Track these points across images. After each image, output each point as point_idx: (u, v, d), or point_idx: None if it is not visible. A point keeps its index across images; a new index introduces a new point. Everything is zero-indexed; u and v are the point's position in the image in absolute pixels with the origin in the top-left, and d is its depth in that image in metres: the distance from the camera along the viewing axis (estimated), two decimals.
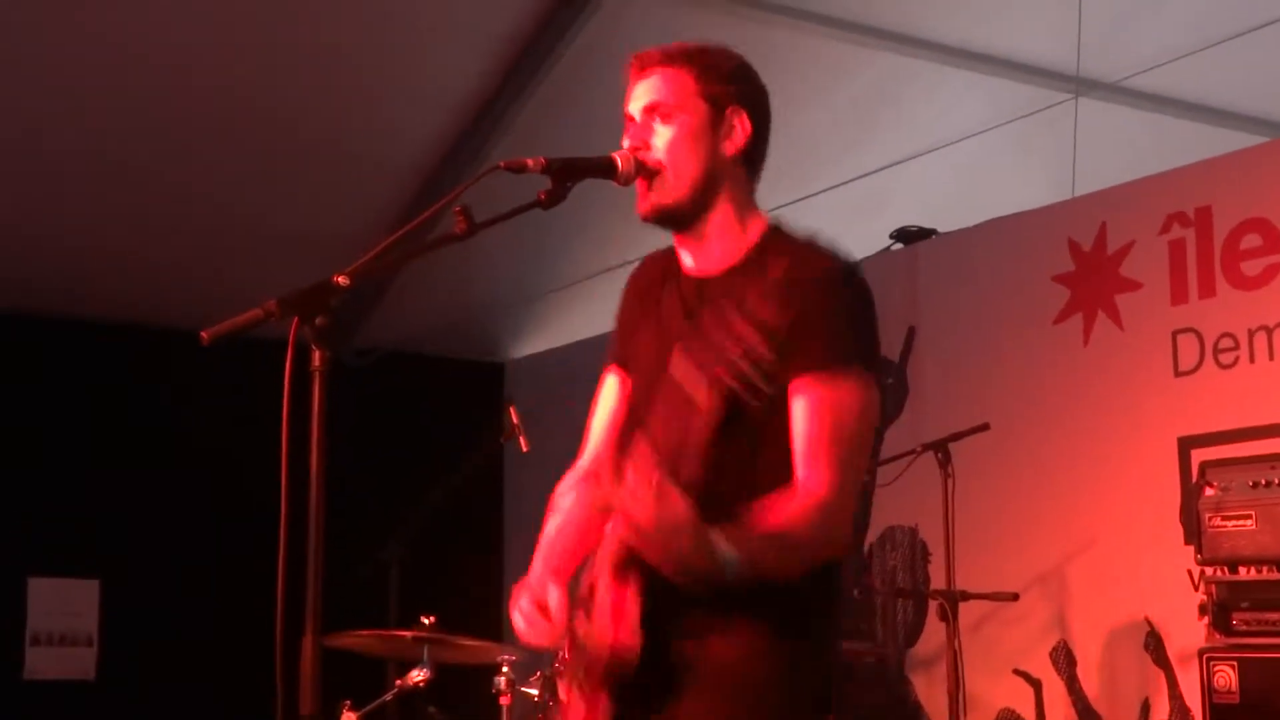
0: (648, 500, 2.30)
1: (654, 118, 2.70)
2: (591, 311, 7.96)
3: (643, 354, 2.81)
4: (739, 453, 2.54)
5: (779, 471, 2.55)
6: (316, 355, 2.37)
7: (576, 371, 8.09)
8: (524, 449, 5.80)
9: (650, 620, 2.49)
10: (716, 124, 2.70)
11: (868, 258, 6.70)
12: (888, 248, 6.69)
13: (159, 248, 7.19)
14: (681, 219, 2.72)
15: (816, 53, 6.48)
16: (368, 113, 6.67)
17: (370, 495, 7.55)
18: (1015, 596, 5.39)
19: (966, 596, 5.27)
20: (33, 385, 7.53)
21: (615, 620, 2.48)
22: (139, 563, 7.50)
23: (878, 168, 6.85)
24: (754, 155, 2.75)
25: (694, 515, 2.31)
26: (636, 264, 2.95)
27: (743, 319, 2.31)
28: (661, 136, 2.69)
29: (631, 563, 2.47)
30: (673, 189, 2.68)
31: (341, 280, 2.41)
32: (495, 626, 7.88)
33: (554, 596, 2.62)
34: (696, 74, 2.70)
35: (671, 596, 2.48)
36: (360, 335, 8.01)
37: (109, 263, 7.25)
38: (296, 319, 2.37)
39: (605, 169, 2.66)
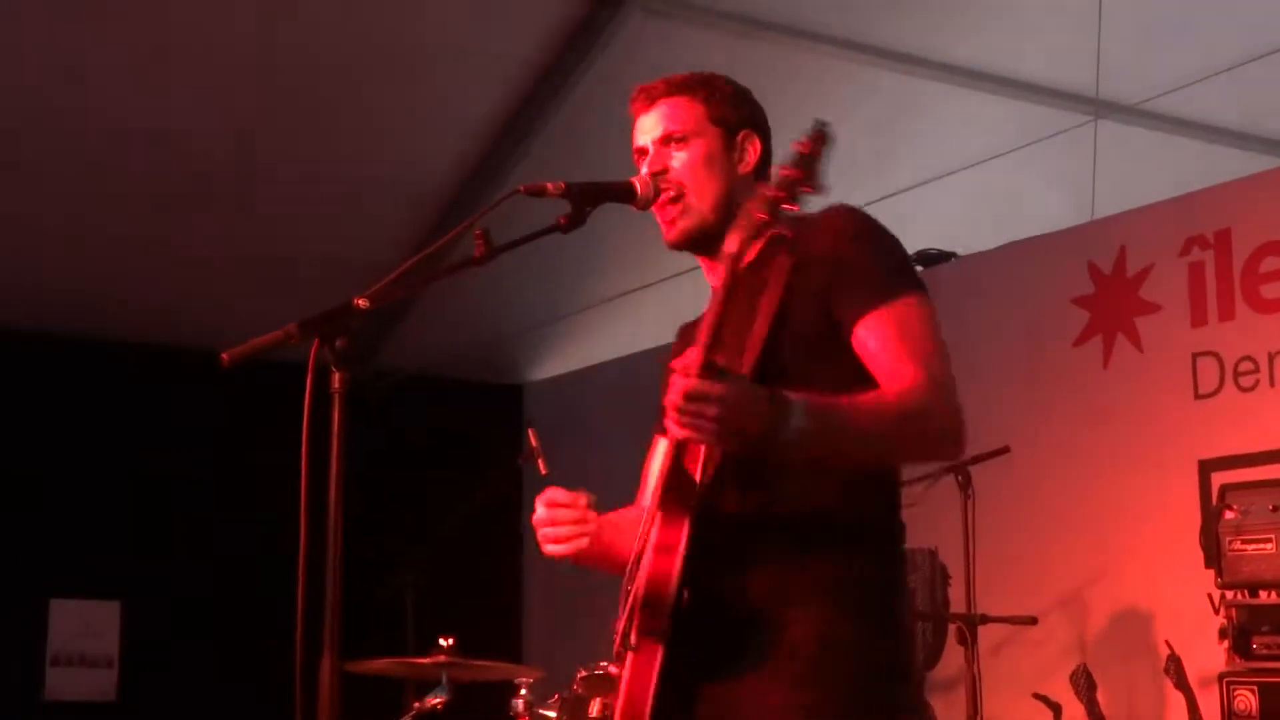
0: (697, 371, 2.34)
1: (669, 146, 2.74)
2: (611, 334, 7.98)
3: None
4: None
5: None
6: (336, 377, 2.39)
7: (595, 394, 8.23)
8: (543, 472, 5.80)
9: (707, 575, 2.49)
10: (729, 147, 2.75)
11: None
12: None
13: (178, 269, 7.23)
14: (709, 241, 2.73)
15: (834, 75, 6.50)
16: (387, 138, 6.71)
17: (388, 518, 7.57)
18: (1034, 620, 5.38)
19: (985, 620, 5.26)
20: (56, 406, 7.57)
21: (656, 549, 2.47)
22: (160, 584, 7.52)
23: (896, 190, 6.85)
24: (763, 174, 2.79)
25: (748, 377, 2.38)
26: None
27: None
28: (679, 161, 2.73)
29: (680, 500, 2.48)
30: (697, 211, 2.72)
31: (361, 303, 2.44)
32: (514, 649, 7.90)
33: (584, 498, 2.67)
34: (704, 100, 2.76)
35: (730, 552, 2.50)
36: (379, 358, 8.03)
37: (131, 284, 7.29)
38: (317, 341, 2.39)
39: (624, 193, 2.69)
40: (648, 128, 2.77)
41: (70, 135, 6.37)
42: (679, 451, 2.51)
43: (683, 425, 2.34)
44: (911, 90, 6.69)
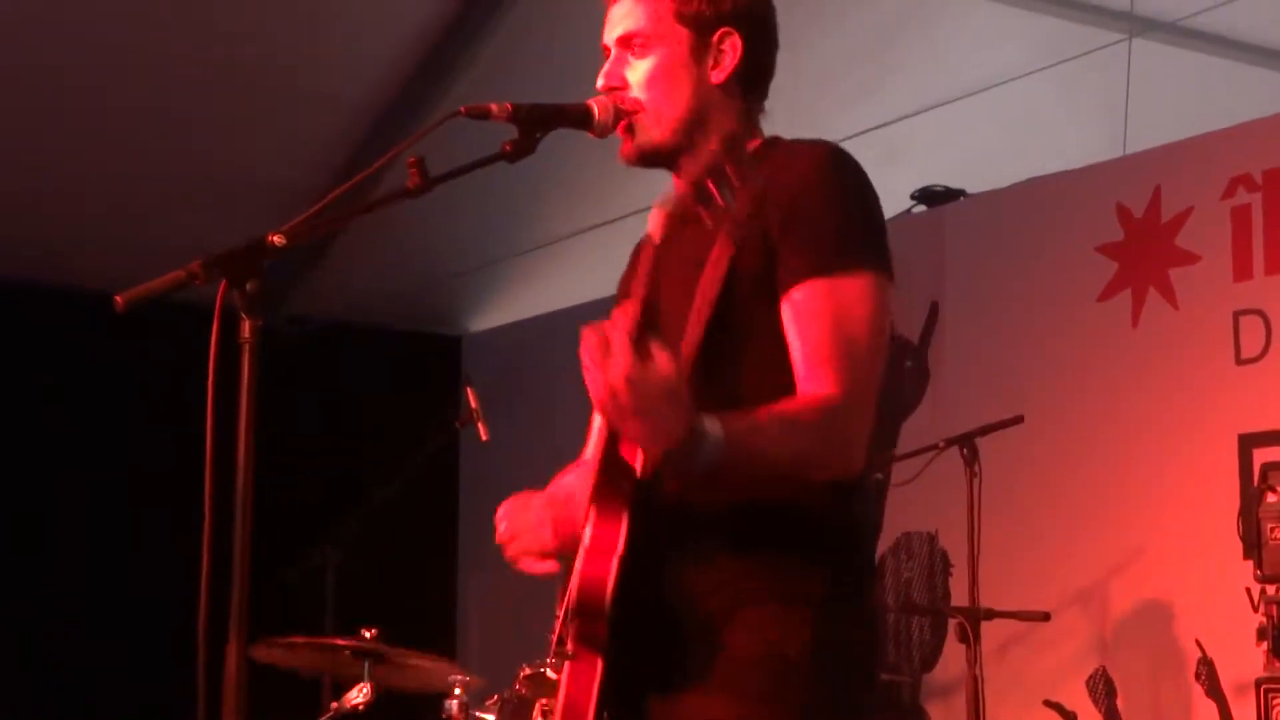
0: (626, 354, 2.34)
1: (629, 50, 2.74)
2: (562, 279, 7.99)
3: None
4: (725, 382, 2.59)
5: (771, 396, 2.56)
6: (246, 325, 2.41)
7: (544, 348, 8.24)
8: (483, 437, 5.83)
9: (647, 577, 2.54)
10: (701, 51, 2.73)
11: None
12: (908, 210, 6.72)
13: (60, 198, 7.18)
14: (668, 160, 2.76)
15: None
16: (309, 44, 6.67)
17: (304, 488, 7.58)
18: (1046, 616, 5.45)
19: (990, 615, 5.31)
20: None
21: (590, 551, 2.52)
22: (38, 563, 7.49)
23: (897, 116, 6.88)
24: (752, 76, 2.78)
25: (678, 377, 2.36)
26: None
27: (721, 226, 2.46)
28: (637, 72, 2.73)
29: (615, 494, 2.52)
30: (653, 128, 2.73)
31: (277, 240, 2.45)
32: (447, 641, 7.94)
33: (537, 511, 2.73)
34: None
35: (673, 552, 2.55)
36: (294, 301, 8.02)
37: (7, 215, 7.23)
38: (224, 283, 2.40)
39: (580, 118, 2.70)
40: (611, 24, 2.77)
41: None
42: (614, 436, 2.55)
43: (596, 401, 2.38)
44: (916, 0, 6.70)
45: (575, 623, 2.54)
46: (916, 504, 6.16)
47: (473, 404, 5.88)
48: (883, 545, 6.44)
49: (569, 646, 2.56)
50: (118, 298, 2.41)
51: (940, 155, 6.99)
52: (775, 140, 2.78)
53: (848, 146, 7.09)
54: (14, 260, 7.50)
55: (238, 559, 2.35)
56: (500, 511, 2.82)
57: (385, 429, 7.81)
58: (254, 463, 2.39)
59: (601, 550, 2.51)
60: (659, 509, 2.55)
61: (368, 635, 4.89)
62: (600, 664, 2.54)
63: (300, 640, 5.01)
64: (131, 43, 6.46)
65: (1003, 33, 6.84)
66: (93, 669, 7.40)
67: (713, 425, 2.39)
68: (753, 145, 2.72)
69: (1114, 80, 6.65)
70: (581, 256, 7.72)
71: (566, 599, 2.58)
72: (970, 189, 6.61)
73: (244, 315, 2.41)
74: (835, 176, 2.63)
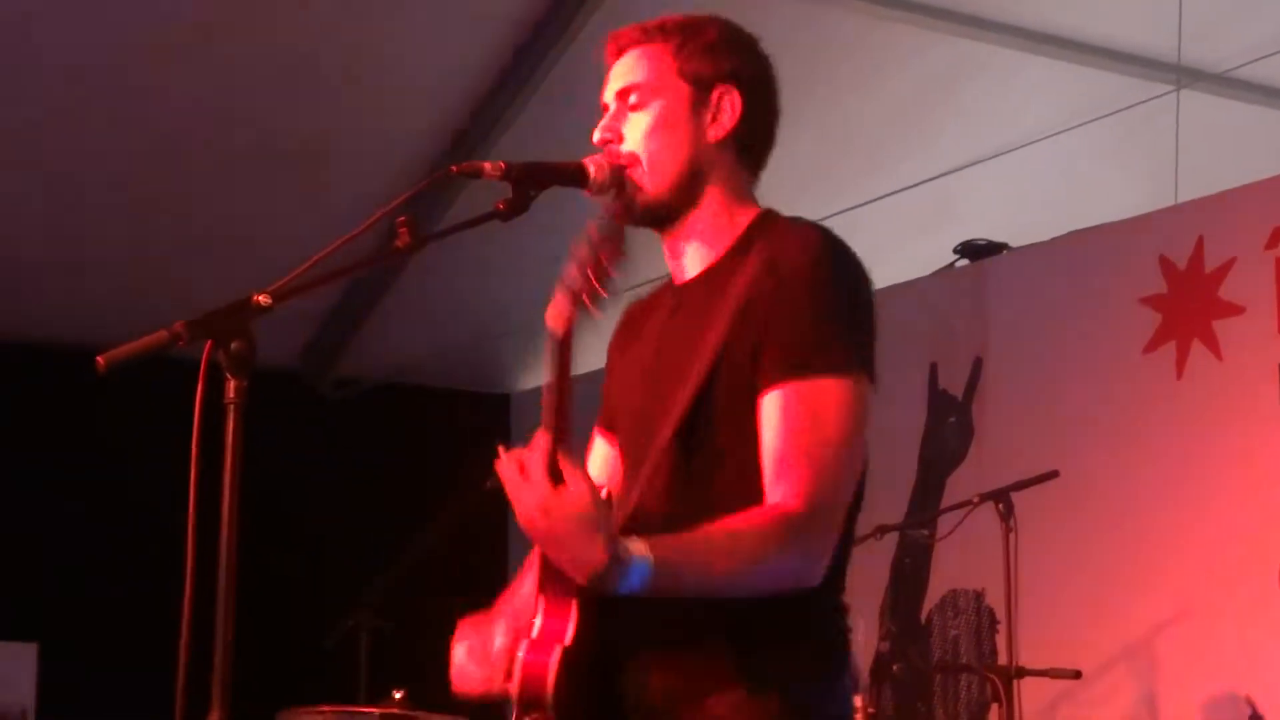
0: (541, 483, 2.33)
1: (627, 104, 2.70)
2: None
3: (624, 397, 2.85)
4: (698, 483, 2.56)
5: (748, 503, 2.51)
6: (231, 385, 2.39)
7: (593, 405, 8.21)
8: None
9: (605, 666, 2.51)
10: (700, 107, 2.69)
11: (928, 276, 6.71)
12: (951, 264, 6.70)
13: (85, 258, 7.22)
14: (659, 218, 2.72)
15: (868, 36, 6.52)
16: (347, 108, 6.73)
17: (353, 550, 7.58)
18: (1078, 674, 5.35)
19: (1022, 673, 5.23)
20: None
21: (535, 642, 2.48)
22: (84, 625, 7.53)
23: (940, 172, 6.86)
24: (750, 139, 2.73)
25: (596, 505, 2.33)
26: (663, 279, 2.92)
27: (710, 328, 2.48)
28: (635, 126, 2.69)
29: (565, 582, 2.47)
30: (648, 185, 2.68)
31: (263, 299, 2.44)
32: (487, 708, 7.91)
33: (499, 639, 2.62)
34: (676, 49, 2.69)
35: (630, 628, 2.50)
36: (343, 363, 8.05)
37: (29, 277, 7.27)
38: (209, 344, 2.39)
39: (574, 176, 2.67)
40: (613, 80, 2.74)
41: None
42: None
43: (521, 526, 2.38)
44: (961, 55, 6.70)
45: (526, 715, 2.48)
46: (963, 561, 6.12)
47: None
48: (929, 603, 6.40)
49: None
50: (99, 358, 2.41)
51: (983, 210, 6.98)
52: (770, 215, 2.73)
53: (890, 204, 7.13)
54: (49, 323, 7.55)
55: (220, 626, 2.35)
56: (455, 648, 2.71)
57: (434, 489, 7.79)
58: (238, 528, 2.39)
59: (546, 641, 2.48)
60: (612, 599, 2.48)
61: (397, 696, 4.89)
62: None
63: (329, 709, 5.00)
64: (162, 117, 6.53)
65: (1050, 86, 6.85)
66: None
67: (639, 549, 2.35)
68: (748, 217, 2.72)
69: (1162, 132, 6.61)
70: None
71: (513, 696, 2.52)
72: (1013, 243, 6.58)
73: (229, 376, 2.40)
74: (823, 271, 2.56)
